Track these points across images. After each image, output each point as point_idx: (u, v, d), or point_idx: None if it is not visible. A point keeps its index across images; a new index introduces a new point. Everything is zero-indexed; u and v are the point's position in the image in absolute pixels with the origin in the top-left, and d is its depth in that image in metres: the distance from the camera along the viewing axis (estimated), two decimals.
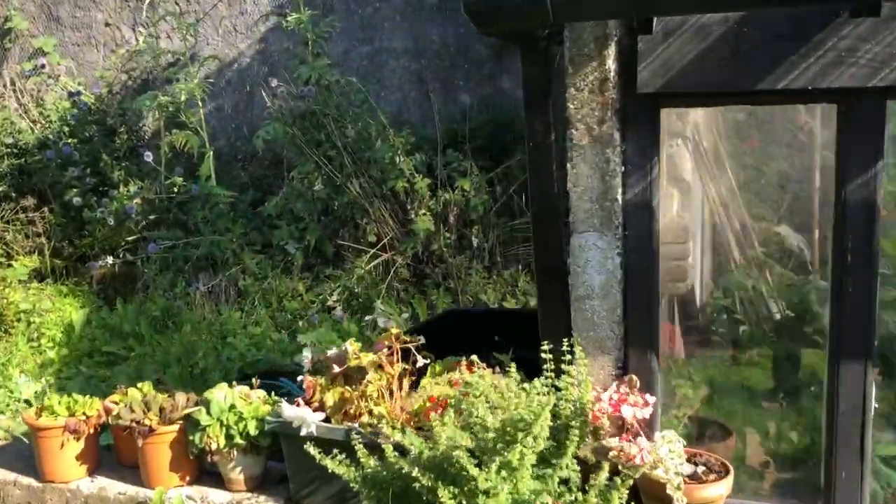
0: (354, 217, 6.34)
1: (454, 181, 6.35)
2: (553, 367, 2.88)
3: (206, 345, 5.62)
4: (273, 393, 4.81)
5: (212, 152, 6.86)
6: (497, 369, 3.18)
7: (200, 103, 6.94)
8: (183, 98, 6.70)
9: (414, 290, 6.15)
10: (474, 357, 2.91)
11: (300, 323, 5.92)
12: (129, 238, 6.84)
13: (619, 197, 2.82)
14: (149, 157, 6.90)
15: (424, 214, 6.09)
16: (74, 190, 7.00)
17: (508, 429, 2.48)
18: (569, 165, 2.87)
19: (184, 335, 5.80)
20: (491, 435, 2.52)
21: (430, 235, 6.10)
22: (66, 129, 7.36)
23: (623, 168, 2.81)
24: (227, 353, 5.43)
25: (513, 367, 2.93)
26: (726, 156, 3.18)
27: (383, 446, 2.66)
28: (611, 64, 2.76)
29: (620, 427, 2.89)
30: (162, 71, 7.47)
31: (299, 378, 3.34)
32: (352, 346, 3.15)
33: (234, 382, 3.55)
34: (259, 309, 6.22)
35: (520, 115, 6.95)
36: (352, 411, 3.19)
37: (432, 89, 7.04)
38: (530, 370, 4.27)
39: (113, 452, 3.79)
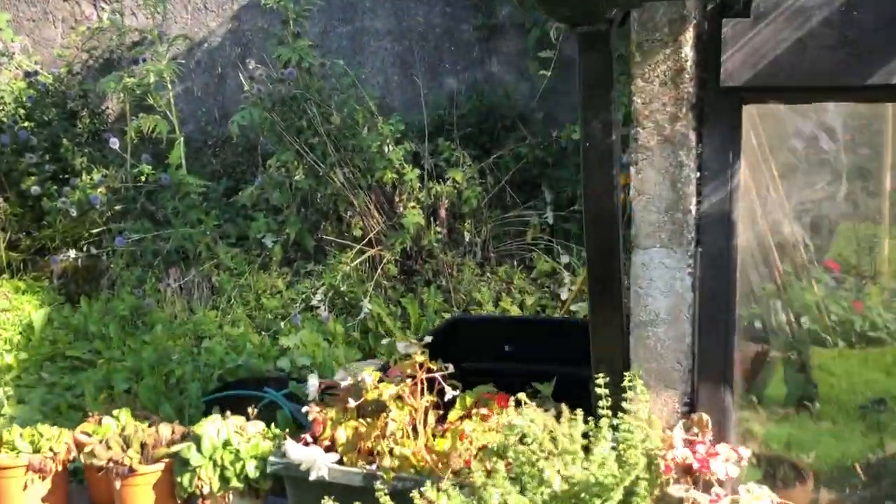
0: (338, 209, 5.81)
1: (442, 171, 5.85)
2: (609, 403, 2.41)
3: (180, 349, 5.06)
4: (257, 407, 4.32)
5: (182, 138, 6.25)
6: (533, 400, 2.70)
7: (169, 85, 6.32)
8: (151, 79, 6.08)
9: (403, 287, 5.65)
10: (522, 396, 2.43)
11: (281, 324, 5.39)
12: (94, 230, 6.22)
13: (693, 207, 2.35)
14: (114, 142, 6.27)
15: (414, 207, 5.58)
16: (32, 178, 6.35)
17: (583, 494, 2.00)
18: (632, 171, 2.39)
19: (156, 338, 5.23)
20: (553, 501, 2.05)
21: (419, 230, 5.59)
22: (21, 111, 6.68)
23: (698, 174, 2.34)
24: (205, 359, 4.88)
25: (568, 410, 2.45)
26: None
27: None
28: (687, 52, 2.28)
29: (685, 470, 2.43)
30: (127, 50, 6.82)
31: (304, 409, 2.83)
32: (371, 375, 2.64)
33: (227, 415, 3.01)
34: (236, 307, 5.67)
35: (510, 101, 6.50)
36: (367, 447, 2.69)
37: (417, 73, 6.50)
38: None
39: (85, 488, 3.25)
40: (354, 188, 5.69)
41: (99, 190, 6.14)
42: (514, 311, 5.34)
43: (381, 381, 2.68)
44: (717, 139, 2.31)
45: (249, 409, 3.09)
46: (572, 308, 5.33)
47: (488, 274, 5.59)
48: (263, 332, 5.38)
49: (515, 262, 5.65)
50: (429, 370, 2.65)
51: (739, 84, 2.22)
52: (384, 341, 5.27)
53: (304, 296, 5.60)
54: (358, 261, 5.65)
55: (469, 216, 5.65)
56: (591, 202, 2.42)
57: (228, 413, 2.99)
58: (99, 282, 6.04)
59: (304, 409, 2.82)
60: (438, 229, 5.59)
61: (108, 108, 7.09)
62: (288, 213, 5.96)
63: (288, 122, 5.65)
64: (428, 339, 2.95)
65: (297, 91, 5.57)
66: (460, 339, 3.92)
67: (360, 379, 2.66)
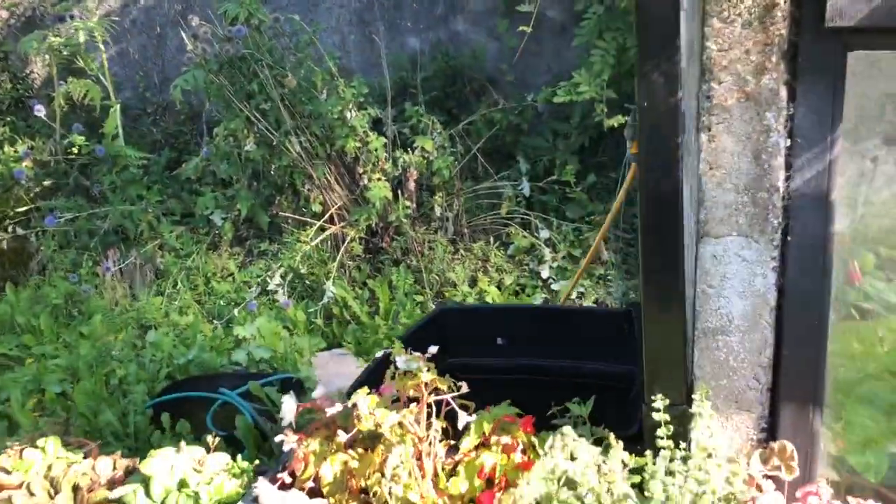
0: (294, 182, 5.15)
1: (407, 140, 5.23)
2: (670, 430, 1.86)
3: (122, 343, 4.39)
4: (212, 410, 3.71)
5: (118, 105, 5.51)
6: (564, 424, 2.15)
7: (101, 46, 5.56)
8: (80, 39, 5.31)
9: (369, 268, 5.04)
10: (568, 430, 1.86)
11: (235, 311, 4.74)
12: (20, 208, 5.46)
13: (781, 185, 1.80)
14: (40, 110, 5.50)
15: (380, 180, 4.95)
16: None
17: None
18: (703, 137, 1.82)
19: (94, 330, 4.55)
20: None
21: (386, 204, 4.97)
22: None
23: (788, 142, 1.78)
24: (150, 354, 4.22)
25: (616, 442, 1.90)
26: None
27: None
28: None
29: None
30: (51, 6, 6.00)
31: (278, 438, 2.22)
32: (368, 400, 2.05)
33: (180, 447, 2.39)
34: (183, 292, 5.00)
35: (478, 62, 5.88)
36: (359, 486, 2.11)
37: (376, 32, 5.84)
38: (550, 385, 3.28)
39: None
40: (312, 159, 5.03)
41: (24, 164, 5.38)
42: (493, 291, 4.78)
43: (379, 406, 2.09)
44: (814, 97, 1.75)
45: (209, 439, 2.47)
46: (556, 289, 4.79)
47: (462, 251, 5.01)
48: (215, 321, 4.73)
49: (491, 239, 5.07)
50: (436, 390, 2.07)
51: (852, 24, 1.66)
52: (350, 328, 4.68)
53: (259, 279, 4.96)
54: (318, 239, 5.01)
55: (440, 188, 5.05)
56: (648, 178, 1.85)
57: (183, 444, 2.36)
58: (27, 266, 5.30)
59: (278, 439, 2.21)
60: (407, 203, 4.99)
61: (32, 72, 6.29)
62: (238, 188, 5.29)
63: (237, 85, 4.96)
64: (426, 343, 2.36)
65: (246, 51, 4.88)
66: (446, 331, 3.34)
67: (351, 404, 2.07)
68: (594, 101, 4.67)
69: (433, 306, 4.81)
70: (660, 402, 1.89)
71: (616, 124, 4.65)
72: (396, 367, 2.14)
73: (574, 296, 4.75)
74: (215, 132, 5.33)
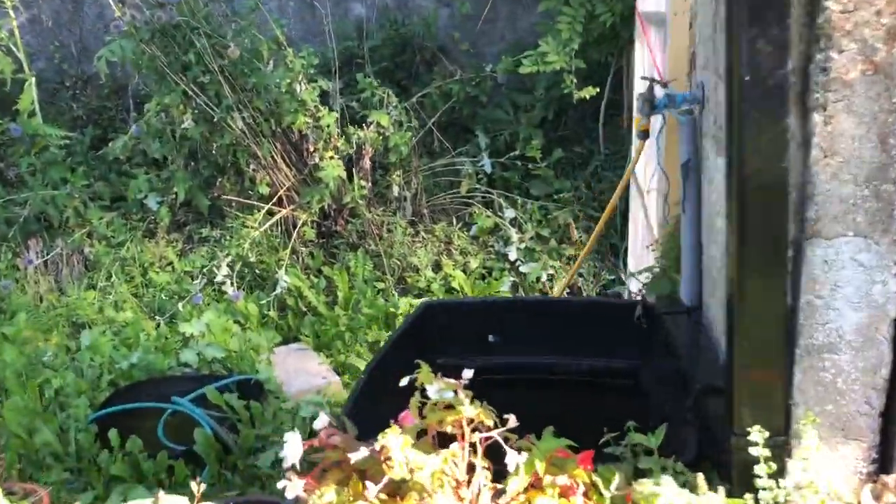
0: (238, 162, 4.65)
1: (356, 114, 4.77)
2: (773, 469, 1.53)
3: (55, 346, 3.86)
4: (163, 424, 3.25)
5: (32, 78, 4.87)
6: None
7: (11, 13, 4.90)
8: None
9: (323, 254, 4.60)
10: (668, 483, 1.50)
11: (179, 305, 4.24)
12: None
13: None
14: None
15: (332, 158, 4.49)
16: None
17: None
18: (816, 119, 1.47)
19: (18, 331, 3.99)
20: None
21: (340, 184, 4.53)
22: None
23: None
24: (88, 358, 3.71)
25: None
26: None
27: None
28: None
29: None
30: None
31: (280, 485, 1.79)
32: (401, 441, 1.64)
33: None
34: (118, 286, 4.46)
35: (430, 30, 5.44)
36: None
37: None
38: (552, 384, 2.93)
39: None
40: (257, 136, 4.54)
41: None
42: (458, 276, 4.40)
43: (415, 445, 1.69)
44: None
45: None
46: (524, 271, 4.45)
47: (423, 234, 4.61)
48: (157, 317, 4.22)
49: (454, 220, 4.69)
50: (485, 429, 1.68)
51: None
52: (307, 319, 4.24)
53: (203, 269, 4.46)
54: (268, 224, 4.54)
55: (397, 166, 4.63)
56: (748, 166, 1.49)
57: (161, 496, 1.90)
58: None
59: (280, 485, 1.79)
60: (363, 183, 4.55)
61: None
62: (175, 168, 4.75)
63: (171, 56, 4.41)
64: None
65: (181, 18, 4.33)
66: (433, 329, 2.96)
67: (379, 447, 1.66)
68: (562, 72, 4.31)
69: (395, 294, 4.41)
70: (758, 433, 1.55)
71: (588, 96, 4.31)
72: (424, 395, 1.74)
73: (544, 278, 4.42)
74: (146, 108, 4.77)
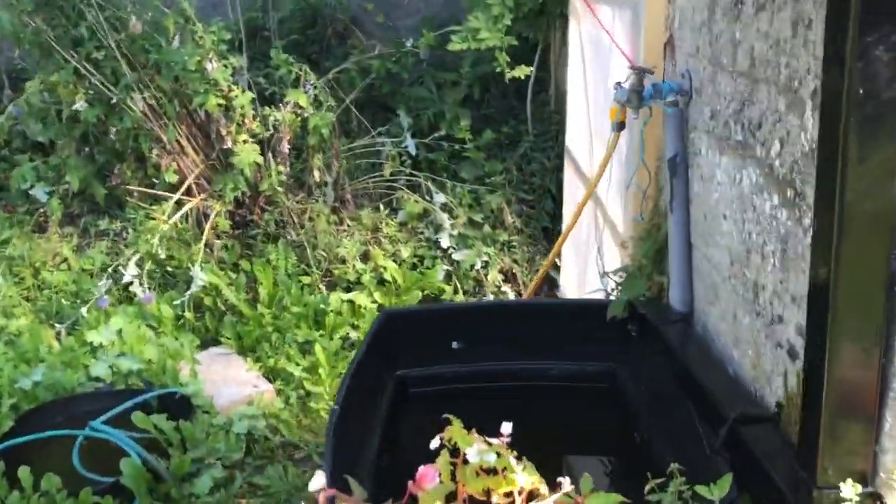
0: (139, 148, 4.15)
1: (264, 91, 4.34)
2: None
3: None
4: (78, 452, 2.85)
5: None
6: None
7: None
8: None
9: (239, 247, 4.19)
10: None
11: (83, 310, 3.76)
12: None
13: None
14: None
15: (246, 142, 4.08)
16: None
17: None
18: None
19: None
20: None
21: (256, 170, 4.12)
22: None
23: None
24: None
25: None
26: None
27: None
28: None
29: None
30: None
31: None
32: None
33: None
34: (6, 288, 3.93)
35: (342, 1, 5.03)
36: None
37: None
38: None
39: None
40: (161, 119, 4.06)
41: None
42: (390, 266, 4.10)
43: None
44: None
45: None
46: (458, 259, 4.19)
47: (348, 222, 4.27)
48: (57, 325, 3.73)
49: (381, 205, 4.36)
50: (530, 496, 1.42)
51: None
52: (227, 320, 3.86)
53: (105, 267, 3.98)
54: (177, 216, 4.08)
55: (317, 150, 4.25)
56: (851, 191, 1.27)
57: None
58: None
59: None
60: (280, 168, 4.15)
61: None
62: (65, 155, 4.21)
63: (59, 30, 3.86)
64: None
65: None
66: (394, 339, 2.68)
67: None
68: (492, 49, 4.03)
69: (323, 288, 4.07)
70: (850, 488, 1.36)
71: (523, 76, 4.06)
72: (464, 460, 1.47)
73: (478, 265, 4.18)
74: (28, 85, 4.19)
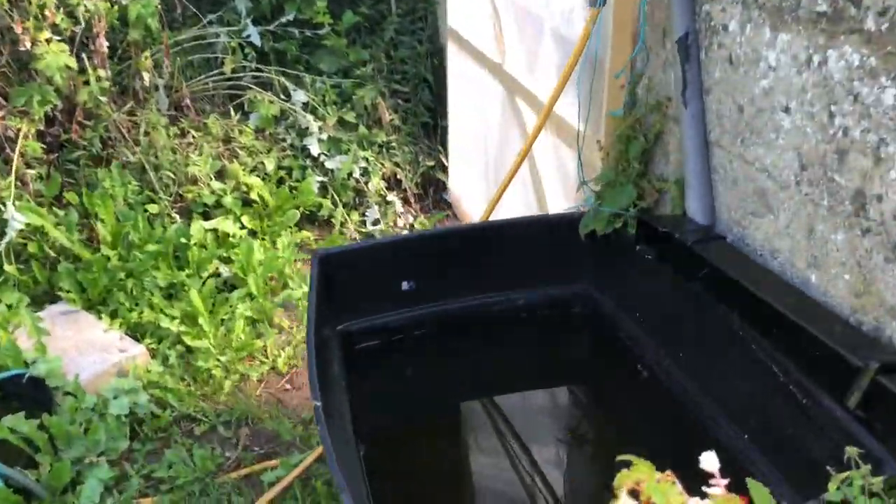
0: None
1: None
2: None
3: None
4: None
5: None
6: None
7: None
8: None
9: (59, 174, 3.29)
10: None
11: None
12: None
13: None
14: None
15: (50, 41, 3.13)
16: None
17: None
18: None
19: None
20: None
21: (70, 77, 3.20)
22: None
23: None
24: None
25: None
26: None
27: None
28: None
29: None
30: None
31: None
32: None
33: None
34: None
35: None
36: None
37: None
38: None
39: None
40: None
41: None
42: (255, 183, 3.41)
43: None
44: None
45: None
46: (331, 167, 3.56)
47: (193, 133, 3.48)
48: None
49: (231, 109, 3.59)
50: None
51: None
52: (63, 268, 3.03)
53: None
54: None
55: (142, 46, 3.37)
56: None
57: None
58: None
59: None
60: (101, 73, 3.26)
61: None
62: None
63: None
64: None
65: None
66: (332, 287, 2.10)
67: None
68: None
69: (177, 217, 3.32)
70: None
71: None
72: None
73: (357, 173, 3.59)
74: None
